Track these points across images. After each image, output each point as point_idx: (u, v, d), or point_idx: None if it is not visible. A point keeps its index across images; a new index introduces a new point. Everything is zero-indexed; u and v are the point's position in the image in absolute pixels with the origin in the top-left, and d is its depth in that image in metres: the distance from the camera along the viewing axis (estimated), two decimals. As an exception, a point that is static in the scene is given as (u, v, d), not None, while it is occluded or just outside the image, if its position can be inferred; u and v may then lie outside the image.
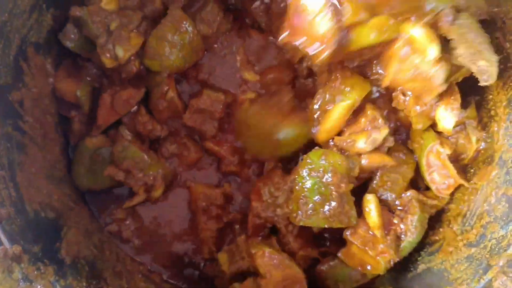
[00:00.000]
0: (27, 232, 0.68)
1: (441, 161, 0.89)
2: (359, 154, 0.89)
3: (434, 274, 0.81)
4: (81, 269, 0.74)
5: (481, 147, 0.90)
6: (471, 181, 0.89)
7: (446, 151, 0.88)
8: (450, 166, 0.87)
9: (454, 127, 0.87)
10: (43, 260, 0.66)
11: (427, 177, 0.90)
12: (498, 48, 0.87)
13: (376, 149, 0.89)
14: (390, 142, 0.89)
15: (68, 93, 0.93)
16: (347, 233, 0.87)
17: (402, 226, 0.86)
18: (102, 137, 0.96)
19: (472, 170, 0.91)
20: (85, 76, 0.96)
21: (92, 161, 0.94)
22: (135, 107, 0.96)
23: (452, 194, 0.91)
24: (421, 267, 0.86)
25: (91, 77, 0.96)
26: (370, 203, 0.86)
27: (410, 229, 0.86)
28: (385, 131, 0.87)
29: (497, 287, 0.62)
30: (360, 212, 0.88)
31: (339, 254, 0.89)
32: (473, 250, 0.77)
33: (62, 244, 0.76)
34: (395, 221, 0.87)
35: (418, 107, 0.87)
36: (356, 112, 0.90)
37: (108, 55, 0.88)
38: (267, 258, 0.86)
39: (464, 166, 0.92)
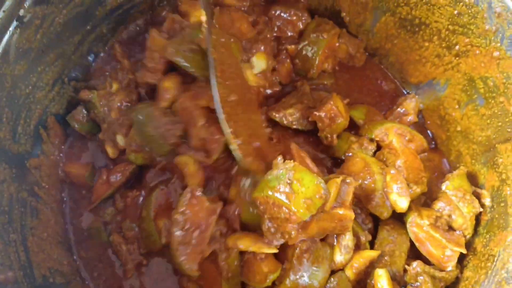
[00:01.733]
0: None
1: (425, 232, 0.88)
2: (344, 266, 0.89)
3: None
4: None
5: (488, 213, 0.89)
6: (488, 247, 0.87)
7: (425, 222, 0.87)
8: (436, 235, 0.86)
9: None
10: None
11: (424, 252, 0.89)
12: (503, 111, 0.88)
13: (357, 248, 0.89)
14: (366, 237, 0.90)
15: (78, 177, 0.94)
16: None
17: None
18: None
19: (488, 236, 0.88)
20: (91, 157, 0.97)
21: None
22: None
23: (462, 263, 0.88)
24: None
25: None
26: (382, 279, 0.84)
27: None
28: (349, 234, 0.87)
29: None
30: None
31: None
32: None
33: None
34: None
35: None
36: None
37: (111, 143, 0.92)
38: None
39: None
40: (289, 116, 0.99)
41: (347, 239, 0.86)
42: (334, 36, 1.06)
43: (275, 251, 0.82)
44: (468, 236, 0.90)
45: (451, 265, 0.87)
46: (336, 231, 0.84)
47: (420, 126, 1.08)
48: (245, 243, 0.84)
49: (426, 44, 1.01)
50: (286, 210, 0.77)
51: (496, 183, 0.90)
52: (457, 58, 0.97)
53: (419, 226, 0.89)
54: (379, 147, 0.99)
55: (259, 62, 0.99)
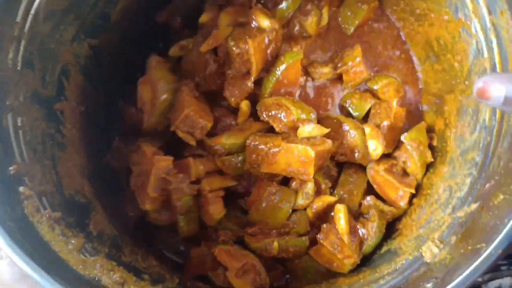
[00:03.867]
0: (64, 207, 0.88)
1: (381, 176, 1.06)
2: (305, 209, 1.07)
3: (391, 252, 0.97)
4: (105, 240, 0.93)
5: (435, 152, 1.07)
6: (429, 179, 1.06)
7: (381, 167, 1.05)
8: (389, 178, 1.04)
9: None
10: (76, 228, 0.86)
11: (380, 193, 1.07)
12: (449, 66, 1.05)
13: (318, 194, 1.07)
14: (326, 184, 1.08)
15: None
16: (319, 236, 1.01)
17: (364, 231, 1.03)
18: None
19: (431, 170, 1.07)
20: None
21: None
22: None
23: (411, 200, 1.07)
24: (384, 248, 1.02)
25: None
26: (340, 212, 1.02)
27: (371, 234, 1.02)
28: (310, 183, 1.05)
29: (424, 250, 0.78)
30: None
31: (310, 252, 1.03)
32: (421, 231, 0.93)
33: (90, 221, 0.95)
34: (359, 227, 1.03)
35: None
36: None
37: None
38: (224, 252, 1.01)
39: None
40: None
41: (308, 188, 1.05)
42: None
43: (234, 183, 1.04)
44: (419, 180, 1.08)
45: (403, 203, 1.06)
46: (300, 176, 1.01)
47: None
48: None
49: (395, 7, 1.17)
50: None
51: (442, 127, 1.08)
52: (417, 21, 1.13)
53: (376, 171, 1.08)
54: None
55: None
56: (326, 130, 1.01)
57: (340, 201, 1.06)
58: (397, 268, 0.86)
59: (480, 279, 1.11)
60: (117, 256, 0.92)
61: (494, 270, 1.14)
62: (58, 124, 1.01)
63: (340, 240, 0.99)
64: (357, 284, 0.90)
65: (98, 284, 0.73)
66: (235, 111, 1.11)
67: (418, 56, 1.17)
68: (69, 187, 0.96)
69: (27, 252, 0.64)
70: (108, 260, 0.83)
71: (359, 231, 1.01)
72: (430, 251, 0.78)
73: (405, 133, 1.08)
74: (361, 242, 1.02)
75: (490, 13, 0.88)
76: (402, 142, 1.08)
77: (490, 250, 0.65)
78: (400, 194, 1.06)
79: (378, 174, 1.07)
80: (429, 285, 0.68)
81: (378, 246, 1.03)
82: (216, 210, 1.05)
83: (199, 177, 1.06)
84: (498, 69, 0.87)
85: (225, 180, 1.08)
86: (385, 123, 1.09)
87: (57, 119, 1.00)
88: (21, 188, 0.76)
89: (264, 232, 1.04)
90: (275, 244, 0.99)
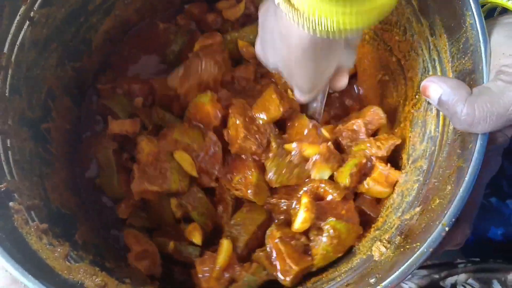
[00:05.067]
0: (51, 219, 0.96)
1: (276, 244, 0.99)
2: None
3: (351, 253, 1.05)
4: (89, 248, 1.02)
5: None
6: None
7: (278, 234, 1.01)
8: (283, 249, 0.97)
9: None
10: (62, 238, 0.94)
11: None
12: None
13: None
14: None
15: None
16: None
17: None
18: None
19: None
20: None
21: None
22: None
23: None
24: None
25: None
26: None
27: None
28: None
29: (374, 250, 0.88)
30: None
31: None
32: (377, 232, 1.02)
33: (76, 232, 1.04)
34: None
35: None
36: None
37: None
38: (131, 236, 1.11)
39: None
40: None
41: None
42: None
43: None
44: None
45: (287, 278, 0.99)
46: None
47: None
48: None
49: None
50: None
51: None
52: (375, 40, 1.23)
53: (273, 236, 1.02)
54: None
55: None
56: None
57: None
58: (353, 266, 0.95)
59: (437, 276, 1.21)
60: (101, 263, 1.01)
61: (451, 267, 1.24)
62: (45, 143, 1.10)
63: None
64: (320, 281, 0.99)
65: (82, 287, 0.82)
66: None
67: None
68: (55, 200, 1.05)
69: (17, 260, 0.72)
70: (92, 266, 0.91)
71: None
72: (379, 251, 0.87)
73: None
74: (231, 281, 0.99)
75: (431, 35, 0.99)
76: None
77: (423, 248, 0.75)
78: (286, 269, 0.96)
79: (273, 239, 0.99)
80: (372, 280, 0.78)
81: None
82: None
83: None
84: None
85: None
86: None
87: (44, 139, 1.10)
88: (11, 203, 0.85)
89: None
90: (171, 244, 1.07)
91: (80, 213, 1.14)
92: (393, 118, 1.18)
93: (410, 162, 1.06)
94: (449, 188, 0.82)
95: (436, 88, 0.82)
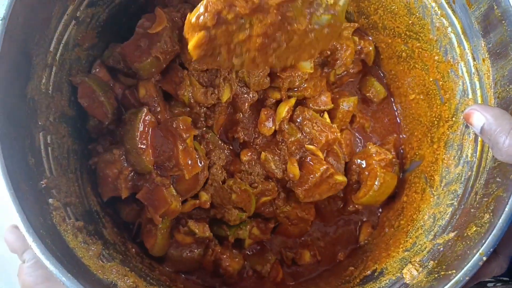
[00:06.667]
0: (85, 216, 0.98)
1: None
2: None
3: (379, 273, 1.05)
4: (118, 247, 1.03)
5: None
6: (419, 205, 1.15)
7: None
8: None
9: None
10: (95, 236, 0.96)
11: None
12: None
13: None
14: None
15: None
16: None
17: None
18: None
19: (421, 197, 1.16)
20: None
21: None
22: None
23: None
24: (372, 268, 1.09)
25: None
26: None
27: None
28: None
29: (405, 272, 0.88)
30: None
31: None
32: (406, 253, 1.02)
33: (106, 230, 1.06)
34: None
35: None
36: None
37: None
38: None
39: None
40: None
41: None
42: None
43: None
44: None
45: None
46: None
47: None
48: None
49: (389, 40, 1.27)
50: None
51: (432, 159, 1.17)
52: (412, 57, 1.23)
53: None
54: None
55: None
56: None
57: None
58: (381, 286, 0.95)
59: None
60: (129, 263, 1.02)
61: (481, 286, 1.23)
62: (82, 141, 1.12)
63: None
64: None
65: (115, 287, 0.83)
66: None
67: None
68: (90, 197, 1.07)
69: (57, 258, 0.74)
70: (123, 266, 0.92)
71: None
72: (410, 273, 0.87)
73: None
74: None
75: (474, 59, 0.98)
76: None
77: (459, 276, 0.75)
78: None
79: None
80: (405, 303, 0.78)
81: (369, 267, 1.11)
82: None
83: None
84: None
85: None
86: None
87: (81, 136, 1.11)
88: (50, 200, 0.86)
89: None
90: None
91: (102, 212, 1.15)
92: (423, 137, 1.18)
93: (443, 184, 1.05)
94: (487, 216, 0.81)
95: (479, 117, 0.81)
